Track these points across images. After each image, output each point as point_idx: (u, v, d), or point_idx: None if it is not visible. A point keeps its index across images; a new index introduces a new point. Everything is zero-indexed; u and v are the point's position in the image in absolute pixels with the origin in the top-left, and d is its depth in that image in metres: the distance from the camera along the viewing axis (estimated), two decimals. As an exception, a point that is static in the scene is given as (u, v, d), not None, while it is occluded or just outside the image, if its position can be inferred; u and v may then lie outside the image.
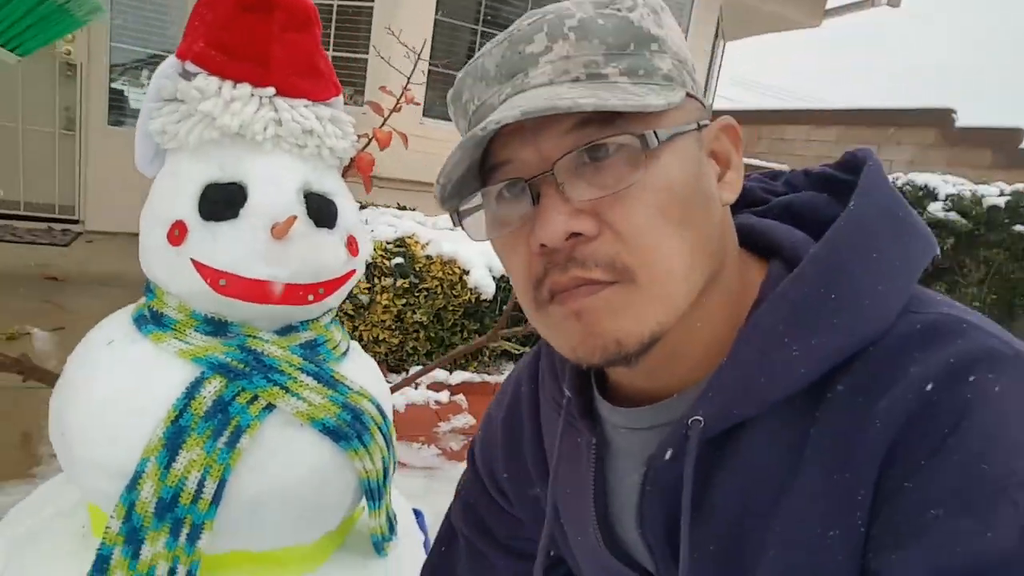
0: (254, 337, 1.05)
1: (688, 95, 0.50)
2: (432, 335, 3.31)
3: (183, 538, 0.97)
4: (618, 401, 0.60)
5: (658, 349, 0.49)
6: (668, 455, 0.52)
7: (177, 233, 1.01)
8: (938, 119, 7.54)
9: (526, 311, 0.53)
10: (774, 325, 0.48)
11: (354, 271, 1.13)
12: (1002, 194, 6.09)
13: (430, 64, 4.66)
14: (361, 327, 3.18)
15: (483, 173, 0.52)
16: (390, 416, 1.21)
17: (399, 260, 3.16)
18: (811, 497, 0.45)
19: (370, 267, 3.14)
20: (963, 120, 7.46)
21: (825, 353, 0.46)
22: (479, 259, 3.34)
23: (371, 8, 4.59)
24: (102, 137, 4.62)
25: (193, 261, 1.00)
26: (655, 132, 0.46)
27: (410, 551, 1.31)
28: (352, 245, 1.14)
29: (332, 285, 1.09)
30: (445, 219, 3.96)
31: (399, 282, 3.14)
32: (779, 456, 0.47)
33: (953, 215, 6.14)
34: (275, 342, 1.06)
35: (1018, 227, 5.73)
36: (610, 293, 0.47)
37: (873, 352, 0.45)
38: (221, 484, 0.97)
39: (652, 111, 0.46)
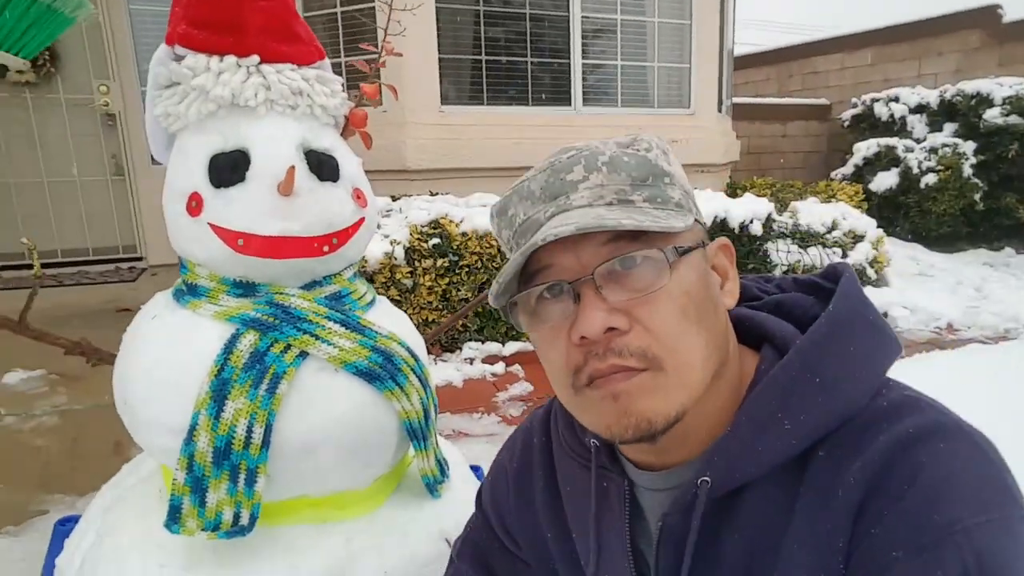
0: (281, 293, 1.11)
1: (695, 220, 0.62)
2: (480, 311, 3.36)
3: (242, 483, 1.03)
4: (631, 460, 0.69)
5: (678, 427, 0.58)
6: (679, 511, 0.61)
7: (195, 204, 1.08)
8: (982, 19, 7.10)
9: (561, 392, 0.62)
10: (768, 403, 0.58)
11: (364, 219, 1.17)
12: (1065, 85, 5.68)
13: (441, 53, 4.72)
14: (409, 311, 3.26)
15: (522, 277, 0.61)
16: (424, 360, 1.25)
17: (436, 240, 3.22)
18: (801, 545, 0.54)
19: (409, 251, 3.21)
20: (1011, 14, 6.99)
21: (811, 427, 0.56)
22: (514, 229, 3.37)
23: (372, 9, 4.68)
24: (148, 177, 4.88)
25: (211, 226, 1.06)
26: (675, 247, 0.58)
27: (464, 495, 1.34)
28: (359, 197, 1.19)
29: (344, 235, 1.14)
30: (477, 197, 4.00)
31: (439, 262, 3.19)
32: (775, 513, 0.57)
33: (1014, 118, 5.79)
34: (301, 296, 1.12)
35: (1088, 117, 5.32)
36: (642, 379, 0.56)
37: (849, 425, 0.55)
38: (268, 429, 1.03)
39: (675, 230, 0.57)
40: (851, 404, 0.56)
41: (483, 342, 3.41)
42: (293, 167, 1.03)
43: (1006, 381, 2.86)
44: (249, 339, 1.05)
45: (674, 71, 5.35)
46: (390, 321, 1.23)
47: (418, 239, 3.23)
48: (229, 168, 1.07)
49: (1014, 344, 3.54)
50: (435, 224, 3.32)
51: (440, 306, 3.30)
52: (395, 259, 3.17)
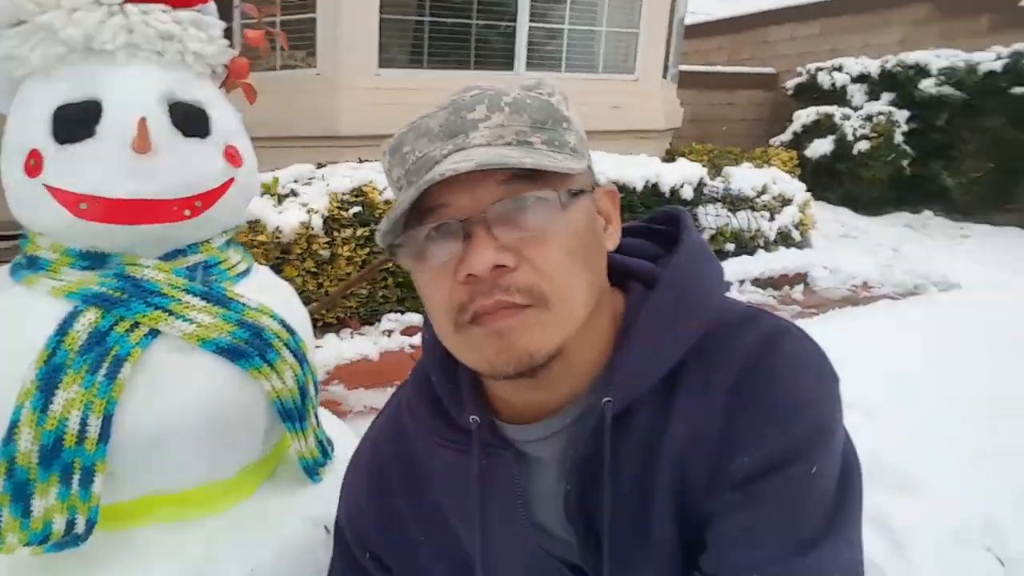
0: (135, 264, 0.98)
1: (587, 166, 0.65)
2: (402, 280, 3.25)
3: (76, 484, 0.91)
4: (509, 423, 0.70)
5: (557, 361, 0.60)
6: (589, 435, 0.64)
7: (33, 163, 0.94)
8: (929, -9, 7.18)
9: (443, 331, 0.63)
10: (652, 327, 0.64)
11: (233, 180, 1.05)
12: (999, 58, 5.81)
13: (382, 14, 4.50)
14: (327, 283, 3.12)
15: (412, 216, 0.60)
16: (303, 334, 1.14)
17: (357, 209, 3.08)
18: (680, 446, 0.61)
19: (327, 220, 3.06)
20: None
21: (683, 342, 0.63)
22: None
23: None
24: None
25: (48, 188, 0.93)
26: (568, 190, 0.59)
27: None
28: (233, 156, 1.06)
29: (209, 197, 1.02)
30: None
31: (360, 231, 3.06)
32: (657, 422, 0.63)
33: (947, 88, 5.90)
34: (157, 267, 0.99)
35: (1018, 89, 5.47)
36: (527, 315, 0.58)
37: (709, 337, 0.63)
38: (107, 420, 0.91)
39: (572, 172, 0.60)
40: (708, 319, 0.64)
41: (403, 313, 3.30)
42: (144, 119, 0.90)
43: (911, 333, 3.07)
44: (89, 317, 0.92)
45: (622, 36, 5.25)
46: (265, 292, 1.11)
47: (338, 207, 3.08)
48: (76, 121, 0.93)
49: (920, 299, 3.79)
50: (358, 192, 3.17)
51: (361, 276, 3.18)
52: (312, 229, 3.01)
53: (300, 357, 1.10)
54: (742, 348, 0.62)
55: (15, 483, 0.89)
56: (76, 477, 0.91)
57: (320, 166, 3.69)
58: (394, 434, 0.80)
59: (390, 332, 3.20)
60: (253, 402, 1.03)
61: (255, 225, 3.11)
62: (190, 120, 0.99)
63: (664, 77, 5.91)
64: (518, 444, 0.70)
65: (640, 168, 3.91)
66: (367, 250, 3.12)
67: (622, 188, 3.76)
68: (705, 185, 4.06)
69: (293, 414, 1.09)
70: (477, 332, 0.59)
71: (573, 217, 0.60)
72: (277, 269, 3.06)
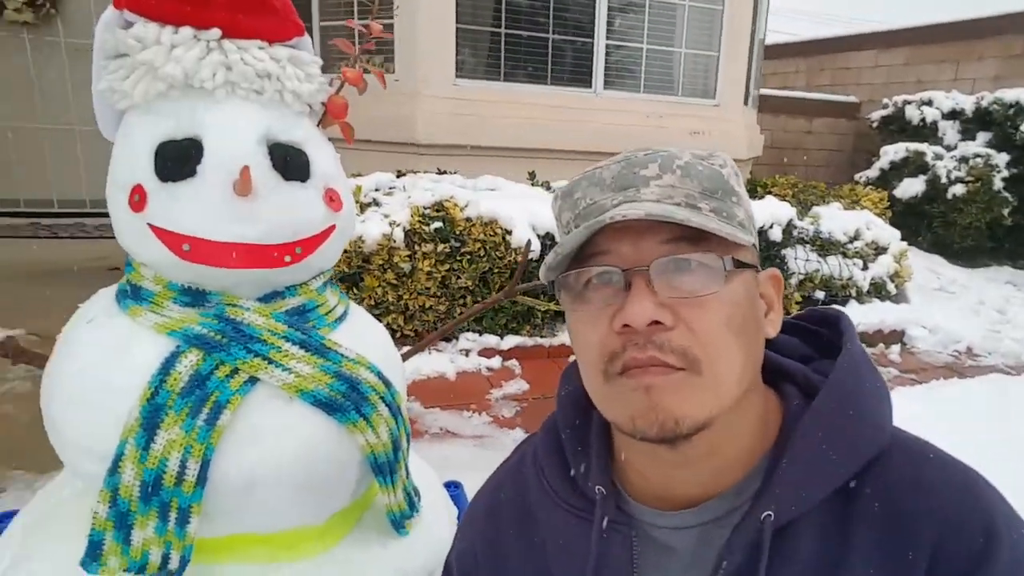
0: (234, 306, 0.97)
1: (753, 245, 0.63)
2: (480, 299, 3.22)
3: (172, 522, 0.91)
4: (641, 502, 0.67)
5: (702, 438, 0.58)
6: (742, 549, 0.59)
7: (137, 199, 0.94)
8: (1026, 24, 6.79)
9: (590, 378, 0.62)
10: (816, 434, 0.60)
11: (335, 227, 1.03)
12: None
13: (459, 23, 4.52)
14: (406, 296, 3.12)
15: (576, 257, 0.61)
16: (397, 384, 1.11)
17: (438, 224, 3.07)
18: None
19: (409, 234, 3.07)
20: (1057, 20, 6.68)
21: (854, 457, 0.59)
22: (521, 217, 3.21)
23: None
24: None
25: (152, 227, 0.92)
26: (733, 259, 0.58)
27: (436, 527, 1.22)
28: (333, 199, 1.04)
29: (311, 243, 1.00)
30: (486, 180, 3.84)
31: (440, 247, 3.05)
32: (829, 546, 0.58)
33: (1053, 132, 5.53)
34: (257, 310, 0.98)
35: None
36: (678, 377, 0.56)
37: (884, 458, 0.60)
38: (204, 464, 0.90)
39: (738, 242, 0.59)
40: (879, 436, 0.61)
41: (480, 334, 3.28)
42: (247, 167, 0.88)
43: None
44: (190, 359, 0.91)
45: (701, 58, 5.12)
46: (362, 339, 1.09)
47: (419, 222, 3.08)
48: (178, 159, 0.92)
49: (1038, 376, 3.36)
50: (439, 207, 3.16)
51: (439, 293, 3.16)
52: (394, 241, 3.02)
53: (395, 411, 1.07)
54: (933, 477, 0.58)
55: (118, 512, 0.90)
56: (173, 515, 0.91)
57: (400, 174, 3.71)
58: (515, 484, 0.77)
59: (468, 352, 3.19)
60: (348, 456, 1.01)
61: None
62: (290, 163, 0.97)
63: (746, 103, 5.75)
64: (645, 526, 0.66)
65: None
66: (447, 266, 3.11)
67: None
68: (794, 226, 3.81)
69: (385, 468, 1.06)
70: (625, 384, 0.58)
71: (734, 288, 0.59)
72: (358, 278, 3.11)
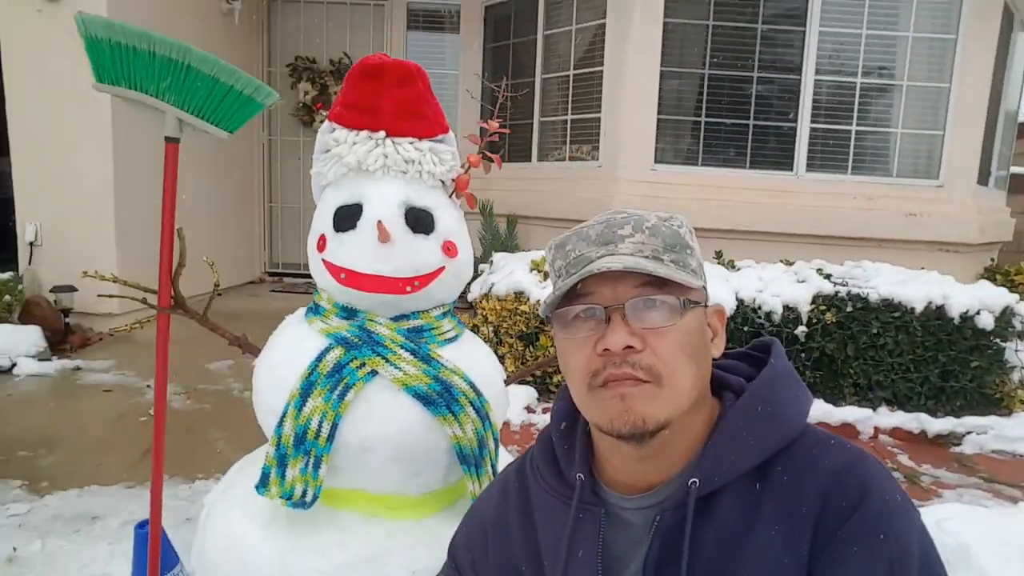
0: (372, 320, 1.37)
1: (703, 287, 0.83)
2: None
3: (311, 466, 1.29)
4: (612, 488, 0.85)
5: (660, 436, 0.76)
6: (673, 507, 0.77)
7: (321, 243, 1.39)
8: None
9: (576, 390, 0.81)
10: (736, 424, 0.79)
11: (444, 268, 1.38)
12: None
13: (660, 115, 4.86)
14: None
15: (565, 298, 0.80)
16: (490, 397, 1.41)
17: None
18: (766, 543, 0.72)
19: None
20: None
21: (766, 443, 0.76)
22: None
23: (601, 72, 4.99)
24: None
25: (324, 262, 1.36)
26: (687, 299, 0.78)
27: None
28: (449, 249, 1.40)
29: (425, 279, 1.36)
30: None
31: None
32: (742, 513, 0.74)
33: None
34: (387, 325, 1.36)
35: None
36: (645, 388, 0.75)
37: (794, 446, 0.76)
38: (334, 427, 1.28)
39: (691, 286, 0.78)
40: (790, 431, 0.77)
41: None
42: (380, 221, 1.28)
43: None
44: (335, 353, 1.32)
45: (922, 138, 4.81)
46: (464, 358, 1.41)
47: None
48: (347, 218, 1.36)
49: None
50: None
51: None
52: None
53: (483, 415, 1.37)
54: (831, 460, 0.73)
55: (280, 454, 1.30)
56: (311, 461, 1.29)
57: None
58: (519, 478, 0.97)
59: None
60: (437, 441, 1.32)
61: (520, 296, 3.59)
62: (419, 221, 1.35)
63: (985, 183, 5.20)
64: (613, 507, 0.84)
65: (924, 286, 3.50)
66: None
67: (896, 307, 3.42)
68: (1014, 314, 3.43)
69: (470, 459, 1.35)
70: (605, 394, 0.76)
71: (688, 321, 0.77)
72: (534, 337, 3.50)
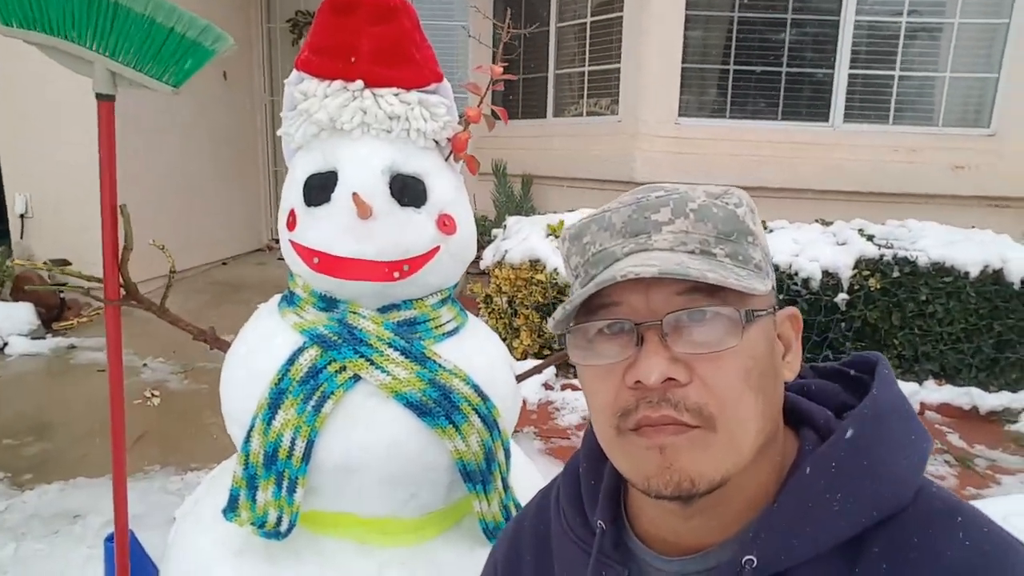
0: (354, 313, 1.13)
1: (772, 288, 0.61)
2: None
3: (284, 490, 1.08)
4: (647, 543, 0.65)
5: (713, 495, 0.56)
6: None
7: (291, 220, 1.15)
8: None
9: (602, 431, 0.60)
10: (817, 481, 0.56)
11: (439, 248, 1.14)
12: None
13: (684, 63, 4.50)
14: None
15: (583, 307, 0.59)
16: (498, 400, 1.17)
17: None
18: None
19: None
20: None
21: (861, 511, 0.54)
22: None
23: (621, 18, 4.61)
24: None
25: (292, 243, 1.12)
26: (750, 309, 0.56)
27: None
28: (445, 223, 1.15)
29: (416, 262, 1.12)
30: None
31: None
32: None
33: None
34: (372, 318, 1.12)
35: None
36: (693, 435, 0.54)
37: (902, 518, 0.54)
38: (309, 444, 1.06)
39: (755, 292, 0.56)
40: (899, 493, 0.55)
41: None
42: (356, 193, 1.03)
43: None
44: (310, 355, 1.08)
45: (973, 82, 4.40)
46: (466, 355, 1.18)
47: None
48: (319, 188, 1.11)
49: None
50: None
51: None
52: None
53: (490, 423, 1.14)
54: (957, 555, 0.51)
55: (248, 474, 1.09)
56: (285, 484, 1.08)
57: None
58: (538, 513, 0.79)
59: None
60: (436, 458, 1.10)
61: (535, 264, 3.34)
62: (407, 191, 1.10)
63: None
64: (645, 567, 0.65)
65: (978, 248, 3.18)
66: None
67: (947, 271, 3.12)
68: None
69: (476, 476, 1.13)
70: (639, 442, 0.56)
71: (752, 338, 0.56)
72: (551, 307, 3.26)
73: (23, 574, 1.79)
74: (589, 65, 4.96)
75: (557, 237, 3.46)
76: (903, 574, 0.51)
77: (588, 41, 4.94)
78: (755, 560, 0.55)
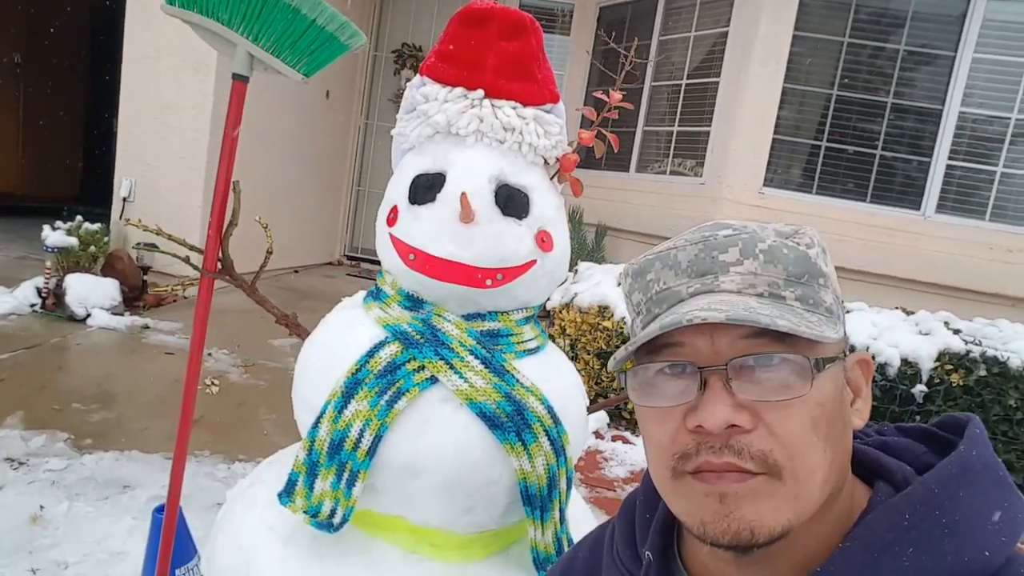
0: (439, 316, 1.13)
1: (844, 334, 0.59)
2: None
3: (344, 482, 1.06)
4: None
5: (778, 545, 0.54)
6: None
7: (392, 216, 1.17)
8: None
9: (657, 473, 0.59)
10: (885, 531, 0.52)
11: (535, 262, 1.13)
12: None
13: (776, 134, 4.46)
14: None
15: (644, 346, 0.58)
16: (570, 427, 1.14)
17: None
18: None
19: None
20: None
21: (936, 571, 0.50)
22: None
23: (716, 84, 4.63)
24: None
25: (392, 237, 1.13)
26: (821, 358, 0.54)
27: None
28: (544, 240, 1.15)
29: (511, 272, 1.11)
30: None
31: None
32: None
33: None
34: (456, 323, 1.12)
35: None
36: (756, 483, 0.53)
37: None
38: (377, 439, 1.04)
39: (825, 340, 0.54)
40: (979, 559, 0.50)
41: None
42: (464, 193, 1.04)
43: None
44: (390, 349, 1.08)
45: (1084, 190, 4.19)
46: (544, 377, 1.15)
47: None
48: (426, 187, 1.13)
49: None
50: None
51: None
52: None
53: (558, 448, 1.10)
54: None
55: (311, 461, 1.08)
56: (346, 476, 1.06)
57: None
58: (592, 549, 0.79)
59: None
60: (500, 474, 1.07)
61: (604, 310, 3.30)
62: (511, 201, 1.10)
63: None
64: None
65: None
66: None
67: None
68: None
69: (535, 501, 1.09)
70: (697, 487, 0.55)
71: (821, 385, 0.54)
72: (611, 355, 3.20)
73: (72, 533, 1.83)
74: (679, 125, 4.98)
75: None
76: None
77: (681, 102, 4.98)
78: None
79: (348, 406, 1.06)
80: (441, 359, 1.07)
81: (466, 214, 1.06)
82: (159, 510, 1.46)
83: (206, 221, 4.48)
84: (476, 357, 1.09)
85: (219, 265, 1.28)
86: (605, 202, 5.13)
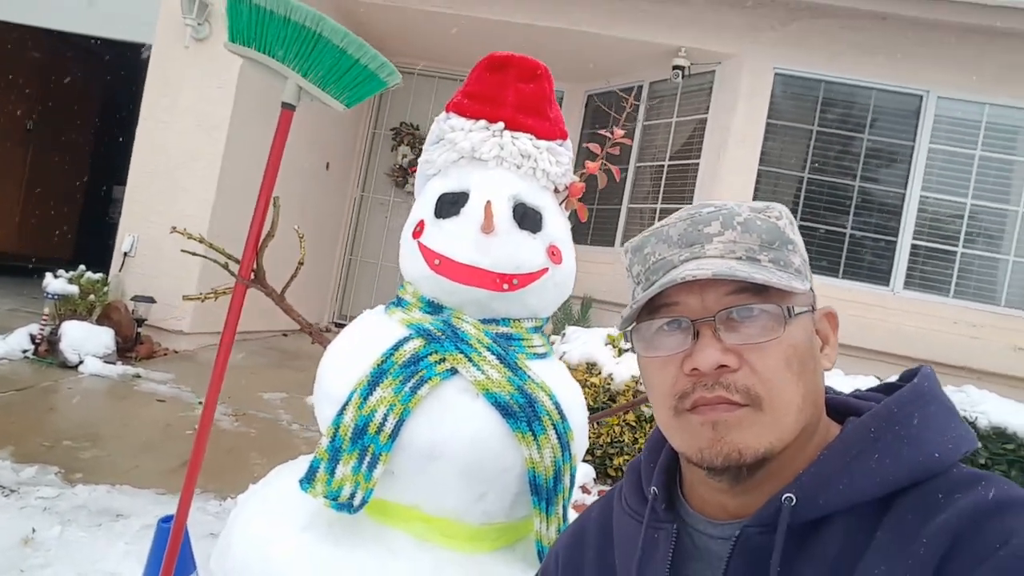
0: (459, 318, 1.24)
1: (810, 287, 0.71)
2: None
3: (365, 464, 1.14)
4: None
5: (762, 468, 0.64)
6: (759, 524, 0.63)
7: (418, 229, 1.30)
8: None
9: (660, 413, 0.69)
10: (856, 442, 0.63)
11: (547, 269, 1.26)
12: None
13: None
14: (641, 438, 3.15)
15: (645, 308, 0.70)
16: (572, 423, 1.24)
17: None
18: None
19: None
20: None
21: (894, 472, 0.60)
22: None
23: (696, 165, 4.96)
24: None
25: (420, 245, 1.26)
26: (790, 307, 0.65)
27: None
28: (554, 253, 1.29)
29: (525, 279, 1.24)
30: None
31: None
32: (850, 552, 0.59)
33: None
34: (474, 324, 1.23)
35: None
36: (742, 413, 0.63)
37: (930, 484, 0.59)
38: (400, 423, 1.13)
39: (795, 291, 0.65)
40: (931, 461, 0.60)
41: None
42: (489, 202, 1.18)
43: None
44: (414, 343, 1.19)
45: (1038, 270, 4.48)
46: (552, 376, 1.26)
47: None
48: (451, 203, 1.27)
49: None
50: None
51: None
52: (640, 385, 3.15)
53: (564, 443, 1.20)
54: (966, 507, 0.55)
55: (334, 447, 1.16)
56: (367, 459, 1.14)
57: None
58: (602, 508, 0.86)
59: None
60: (511, 460, 1.16)
61: (592, 367, 3.40)
62: (526, 217, 1.25)
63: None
64: (693, 530, 0.71)
65: (977, 405, 3.17)
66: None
67: (1009, 438, 3.04)
68: None
69: (542, 491, 1.17)
70: (694, 419, 0.65)
71: (793, 331, 0.64)
72: (598, 412, 3.29)
73: (65, 555, 1.82)
74: (662, 203, 5.27)
75: (615, 346, 3.55)
76: (924, 520, 0.56)
77: (664, 181, 5.28)
78: (794, 498, 0.61)
79: (373, 393, 1.15)
80: (461, 352, 1.18)
81: (488, 222, 1.20)
82: (164, 520, 1.49)
83: (205, 274, 4.53)
84: (492, 353, 1.20)
85: (253, 274, 1.39)
86: (591, 275, 5.31)
